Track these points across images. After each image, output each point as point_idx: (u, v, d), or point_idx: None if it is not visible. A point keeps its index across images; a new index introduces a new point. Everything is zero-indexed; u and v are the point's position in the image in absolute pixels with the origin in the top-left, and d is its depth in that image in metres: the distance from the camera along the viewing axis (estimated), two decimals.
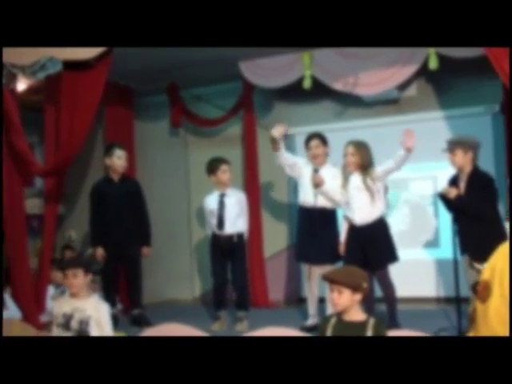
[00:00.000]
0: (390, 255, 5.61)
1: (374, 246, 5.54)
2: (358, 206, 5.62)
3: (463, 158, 5.31)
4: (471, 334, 3.61)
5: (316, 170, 5.86)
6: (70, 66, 6.07)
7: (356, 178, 5.65)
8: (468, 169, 5.33)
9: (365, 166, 5.62)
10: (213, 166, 6.24)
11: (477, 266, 4.55)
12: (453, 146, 5.36)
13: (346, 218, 5.77)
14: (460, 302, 5.26)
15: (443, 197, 5.39)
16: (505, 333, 3.22)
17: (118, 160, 6.56)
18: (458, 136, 5.59)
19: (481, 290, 3.57)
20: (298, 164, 6.09)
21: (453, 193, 5.29)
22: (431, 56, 6.19)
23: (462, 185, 5.35)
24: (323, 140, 6.00)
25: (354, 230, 5.67)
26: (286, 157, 6.06)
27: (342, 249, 5.75)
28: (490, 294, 3.40)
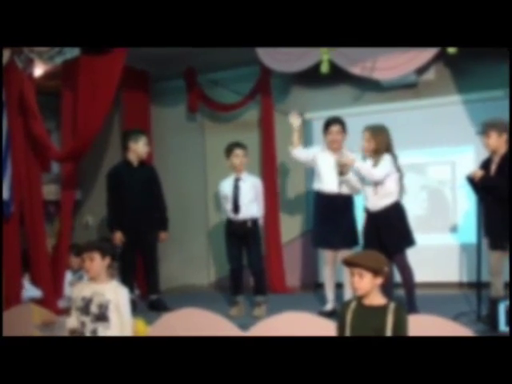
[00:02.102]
0: (406, 239, 5.57)
1: (388, 230, 5.51)
2: (369, 192, 5.62)
3: (498, 140, 5.32)
4: None
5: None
6: (88, 50, 6.06)
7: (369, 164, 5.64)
8: (502, 151, 5.33)
9: (380, 151, 5.58)
10: (228, 150, 6.22)
11: None
12: (487, 128, 5.36)
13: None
14: (481, 286, 5.23)
15: (471, 180, 5.37)
16: None
17: (144, 147, 6.57)
18: (491, 118, 5.54)
19: None
20: (313, 154, 6.08)
21: (478, 174, 5.28)
22: None
23: (494, 167, 5.35)
24: (343, 126, 5.98)
25: (369, 215, 5.66)
26: (303, 153, 6.12)
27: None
28: None
